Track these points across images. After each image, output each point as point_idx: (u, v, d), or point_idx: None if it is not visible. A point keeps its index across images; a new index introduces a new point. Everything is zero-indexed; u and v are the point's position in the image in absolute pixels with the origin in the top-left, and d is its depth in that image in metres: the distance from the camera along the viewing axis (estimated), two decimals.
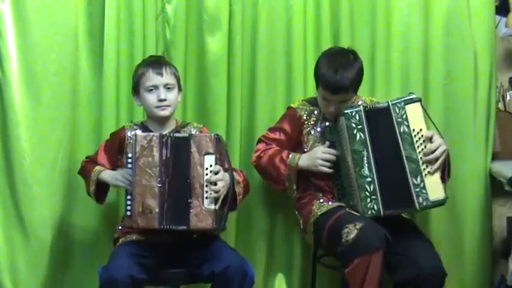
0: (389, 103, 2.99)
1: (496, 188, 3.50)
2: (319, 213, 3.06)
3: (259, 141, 3.23)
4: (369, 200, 2.97)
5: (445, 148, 2.98)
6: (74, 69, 3.36)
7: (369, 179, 2.97)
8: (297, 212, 3.21)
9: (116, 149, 3.08)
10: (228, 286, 2.80)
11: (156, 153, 2.88)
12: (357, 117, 2.98)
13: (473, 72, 3.49)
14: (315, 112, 3.18)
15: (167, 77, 3.03)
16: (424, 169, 2.95)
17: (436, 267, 2.90)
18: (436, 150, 2.95)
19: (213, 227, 2.89)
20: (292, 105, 3.25)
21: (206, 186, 2.88)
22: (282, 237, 3.50)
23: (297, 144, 3.20)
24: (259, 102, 3.46)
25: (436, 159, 2.95)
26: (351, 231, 2.83)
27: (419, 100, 3.01)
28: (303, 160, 3.10)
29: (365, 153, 2.97)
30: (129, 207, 2.89)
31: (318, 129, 3.16)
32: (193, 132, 3.07)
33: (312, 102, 3.20)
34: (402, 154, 2.95)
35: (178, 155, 2.90)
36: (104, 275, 2.80)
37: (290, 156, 3.11)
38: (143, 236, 2.98)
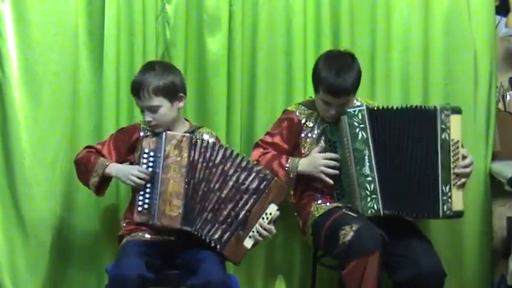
0: (438, 107, 2.98)
1: (496, 188, 3.50)
2: (317, 215, 3.05)
3: (257, 145, 3.20)
4: (369, 199, 2.97)
5: (473, 167, 3.04)
6: (74, 69, 3.36)
7: (369, 178, 2.97)
8: (296, 214, 3.21)
9: (129, 146, 3.05)
10: None
11: (185, 153, 2.87)
12: (360, 117, 2.98)
13: (473, 72, 3.50)
14: (313, 115, 3.17)
15: (147, 100, 2.95)
16: (453, 179, 2.97)
17: (436, 267, 2.90)
18: (467, 166, 3.00)
19: (236, 262, 2.92)
20: (289, 109, 3.23)
21: (255, 227, 2.89)
22: (282, 237, 3.49)
23: (294, 147, 3.19)
24: (259, 102, 3.46)
25: (466, 174, 2.99)
26: (348, 233, 2.83)
27: (461, 113, 3.03)
28: (303, 165, 3.09)
29: (366, 152, 2.98)
30: (141, 203, 2.87)
31: (316, 131, 3.16)
32: (205, 138, 3.05)
33: (309, 105, 3.19)
34: (438, 160, 2.95)
35: (248, 185, 2.88)
36: (114, 271, 2.78)
37: (289, 161, 3.10)
38: (150, 234, 2.96)
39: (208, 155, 2.90)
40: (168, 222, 2.86)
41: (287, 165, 3.08)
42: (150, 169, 2.90)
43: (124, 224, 3.05)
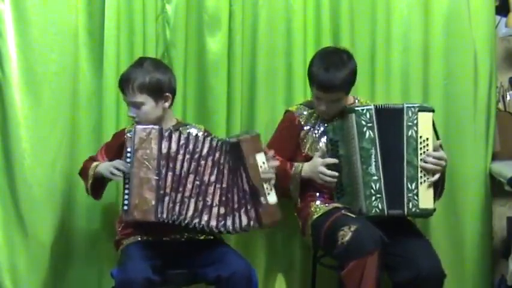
0: (404, 105, 3.01)
1: (496, 188, 3.50)
2: (316, 216, 3.06)
3: None
4: (373, 198, 2.97)
5: (445, 163, 3.01)
6: (74, 69, 3.36)
7: (375, 178, 2.98)
8: (296, 214, 3.21)
9: (116, 151, 3.05)
10: None
11: (154, 145, 2.84)
12: (368, 115, 2.99)
13: (473, 72, 3.50)
14: (313, 115, 3.18)
15: (132, 96, 2.96)
16: (421, 177, 2.98)
17: (436, 268, 2.90)
18: (437, 158, 2.97)
19: (279, 219, 2.91)
20: (290, 109, 3.25)
21: (265, 183, 2.87)
22: (282, 237, 3.50)
23: (297, 147, 3.19)
24: (259, 102, 3.46)
25: (434, 166, 2.97)
26: (346, 234, 2.83)
27: (433, 111, 3.03)
28: (306, 171, 3.09)
29: (373, 151, 2.98)
30: (126, 202, 2.86)
31: (317, 130, 3.16)
32: (191, 131, 3.03)
33: (309, 105, 3.20)
34: (404, 157, 2.97)
35: (232, 160, 2.87)
36: (120, 276, 2.78)
37: (293, 167, 3.11)
38: (149, 236, 2.97)
39: (191, 146, 2.88)
40: (141, 216, 2.83)
41: (291, 172, 3.10)
42: (129, 165, 2.89)
43: (119, 229, 3.06)
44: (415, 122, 2.99)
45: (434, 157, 2.98)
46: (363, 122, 2.99)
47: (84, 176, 3.08)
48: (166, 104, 3.03)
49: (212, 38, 3.42)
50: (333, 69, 2.99)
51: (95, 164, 3.03)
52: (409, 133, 2.98)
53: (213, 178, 2.88)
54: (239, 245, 3.41)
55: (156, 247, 2.94)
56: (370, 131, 2.99)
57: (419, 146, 2.98)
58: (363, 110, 3.00)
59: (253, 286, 2.86)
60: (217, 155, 2.89)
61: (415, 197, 2.97)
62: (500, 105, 3.65)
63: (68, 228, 3.38)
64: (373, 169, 2.98)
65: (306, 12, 3.46)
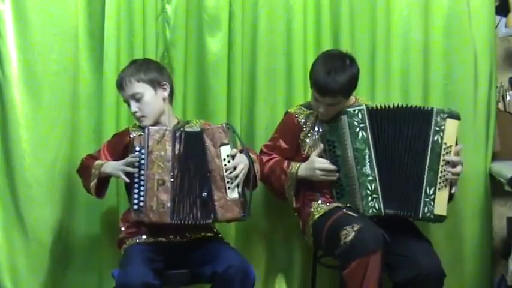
0: (434, 109, 3.01)
1: (496, 188, 3.50)
2: (317, 215, 3.06)
3: (261, 152, 3.22)
4: (370, 198, 2.97)
5: (461, 171, 3.03)
6: (74, 69, 3.36)
7: (370, 178, 2.98)
8: (296, 214, 3.21)
9: (120, 152, 3.05)
10: (230, 286, 2.79)
11: (168, 147, 2.87)
12: (359, 116, 2.99)
13: (473, 72, 3.50)
14: (312, 115, 3.18)
15: (130, 88, 2.99)
16: (439, 183, 2.98)
17: (436, 267, 2.90)
18: (457, 165, 3.00)
19: (241, 216, 2.88)
20: (290, 111, 3.25)
21: (227, 177, 2.87)
22: (282, 237, 3.50)
23: (297, 148, 3.19)
24: (259, 102, 3.46)
25: (454, 176, 3.00)
26: (349, 233, 2.83)
27: (460, 118, 3.03)
28: (302, 170, 3.09)
29: (367, 151, 2.98)
30: (136, 201, 2.87)
31: (316, 131, 3.16)
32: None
33: (309, 106, 3.20)
34: (427, 161, 2.97)
35: (192, 149, 2.89)
36: (121, 279, 2.77)
37: (290, 166, 3.11)
38: (152, 237, 2.97)
39: (195, 144, 2.90)
40: (157, 218, 2.85)
41: (288, 170, 3.10)
42: (142, 166, 2.89)
43: (123, 228, 3.06)
44: (443, 128, 2.99)
45: (454, 163, 3.00)
46: (355, 123, 2.99)
47: (85, 174, 3.07)
48: (165, 94, 3.05)
49: (212, 38, 3.43)
50: (333, 74, 2.98)
51: (98, 162, 3.02)
52: (435, 138, 2.99)
53: (206, 169, 2.89)
54: (239, 244, 3.42)
55: (159, 248, 2.94)
56: (363, 132, 2.99)
57: (442, 152, 2.99)
58: (354, 110, 3.00)
59: (250, 279, 2.84)
60: (183, 146, 2.90)
61: (432, 202, 2.98)
62: (500, 105, 3.65)
63: (68, 228, 3.38)
64: (368, 169, 2.98)
65: (306, 12, 3.46)
